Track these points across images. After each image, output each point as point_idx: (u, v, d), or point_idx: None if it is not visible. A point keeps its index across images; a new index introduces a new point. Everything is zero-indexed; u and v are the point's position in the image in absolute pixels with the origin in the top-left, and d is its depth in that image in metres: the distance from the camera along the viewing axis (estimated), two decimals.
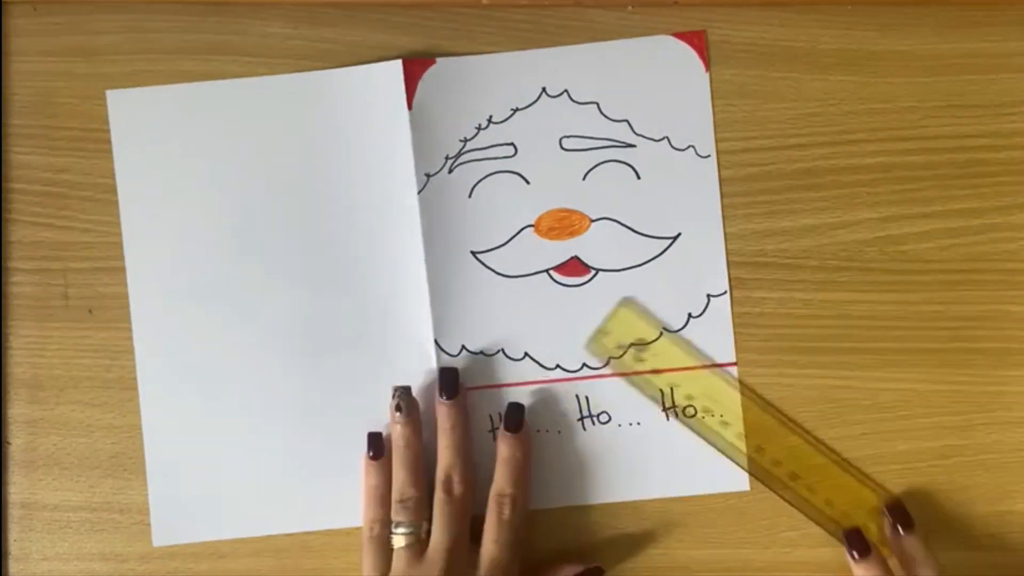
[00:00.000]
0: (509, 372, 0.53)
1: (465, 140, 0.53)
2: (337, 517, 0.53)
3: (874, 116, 0.54)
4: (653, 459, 0.53)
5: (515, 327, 0.53)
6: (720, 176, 0.54)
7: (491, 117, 0.54)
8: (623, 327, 0.52)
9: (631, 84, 0.54)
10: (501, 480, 0.51)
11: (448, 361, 0.53)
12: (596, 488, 0.53)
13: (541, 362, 0.53)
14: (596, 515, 0.53)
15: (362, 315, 0.53)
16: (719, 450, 0.53)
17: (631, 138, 0.53)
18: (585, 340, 0.53)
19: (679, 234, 0.54)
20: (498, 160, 0.53)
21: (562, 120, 0.53)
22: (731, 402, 0.53)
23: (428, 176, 0.53)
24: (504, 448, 0.51)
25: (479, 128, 0.54)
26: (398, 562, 0.49)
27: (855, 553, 0.50)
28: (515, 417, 0.52)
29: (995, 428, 0.53)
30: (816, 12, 0.54)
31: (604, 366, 0.53)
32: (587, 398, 0.53)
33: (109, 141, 0.54)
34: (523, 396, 0.53)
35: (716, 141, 0.54)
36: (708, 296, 0.53)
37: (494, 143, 0.53)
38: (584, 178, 0.53)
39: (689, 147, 0.54)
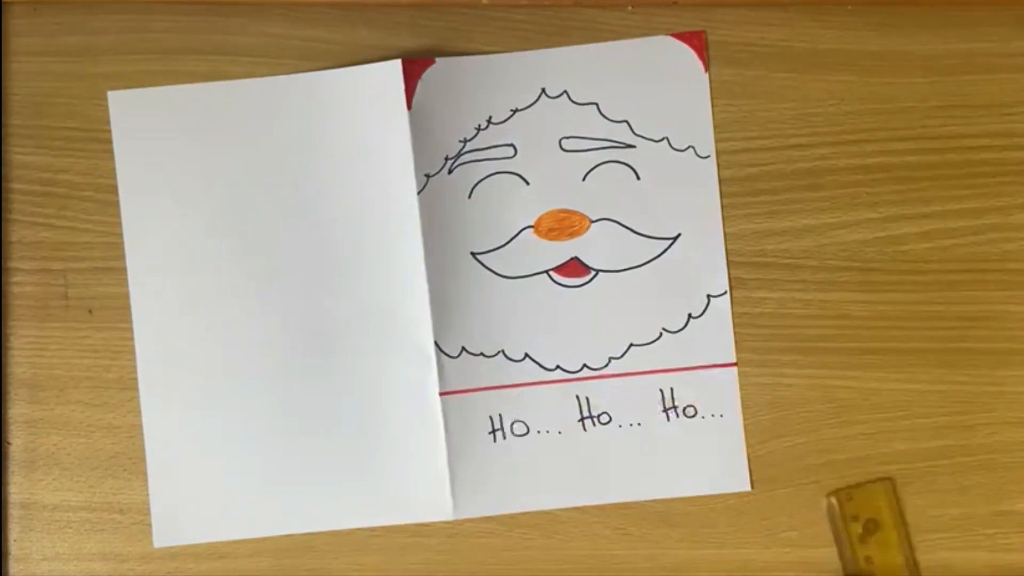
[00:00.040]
0: (509, 373, 0.53)
1: (465, 140, 0.53)
2: (337, 518, 0.53)
3: (874, 116, 0.54)
4: (653, 459, 0.53)
5: (515, 328, 0.53)
6: (720, 176, 0.54)
7: (491, 118, 0.54)
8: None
9: (631, 85, 0.54)
10: None
11: (448, 362, 0.53)
12: (596, 488, 0.53)
13: (541, 363, 0.53)
14: (596, 515, 0.53)
15: (362, 316, 0.53)
16: (719, 450, 0.53)
17: (631, 139, 0.53)
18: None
19: (679, 234, 0.54)
20: (498, 161, 0.53)
21: (562, 121, 0.53)
22: (731, 402, 0.53)
23: (428, 177, 0.53)
24: None
25: (479, 128, 0.53)
26: None
27: None
28: None
29: (995, 428, 0.53)
30: (816, 12, 0.54)
31: (605, 366, 0.53)
32: (587, 399, 0.53)
33: (109, 141, 0.54)
34: (523, 397, 0.53)
35: (716, 141, 0.54)
36: (708, 296, 0.53)
37: (494, 144, 0.53)
38: (584, 179, 0.53)
39: (689, 147, 0.54)
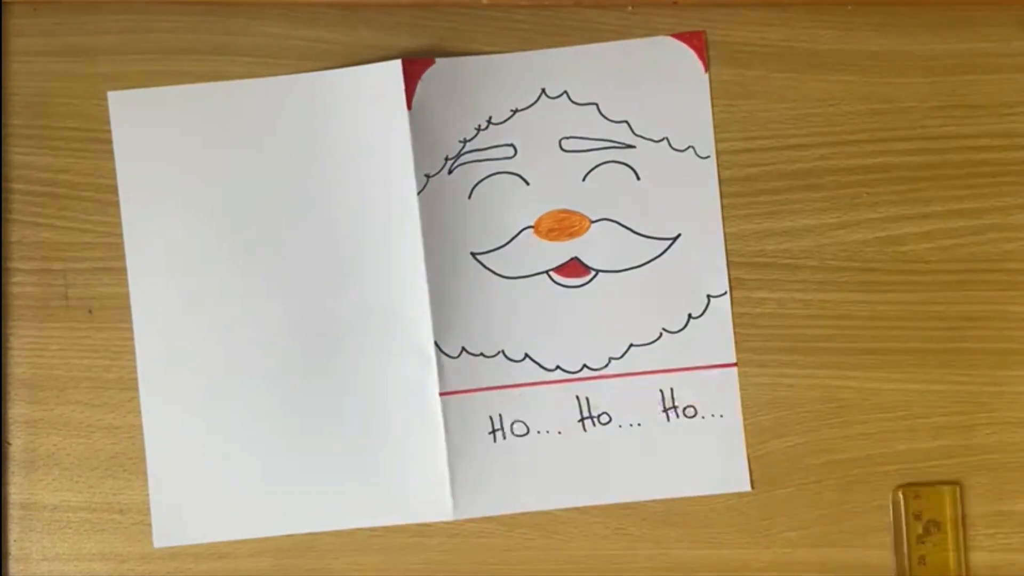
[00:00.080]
0: (509, 373, 0.53)
1: (465, 141, 0.53)
2: (337, 518, 0.53)
3: (874, 116, 0.54)
4: (653, 459, 0.53)
5: (515, 328, 0.53)
6: (720, 176, 0.54)
7: (491, 118, 0.54)
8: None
9: (631, 85, 0.54)
10: None
11: (448, 362, 0.53)
12: (596, 488, 0.53)
13: (541, 363, 0.53)
14: (597, 515, 0.54)
15: (362, 316, 0.53)
16: (719, 450, 0.53)
17: (631, 139, 0.53)
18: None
19: (679, 235, 0.54)
20: (498, 161, 0.53)
21: (562, 121, 0.53)
22: (731, 402, 0.53)
23: (428, 177, 0.53)
24: None
25: (479, 129, 0.53)
26: None
27: None
28: None
29: (995, 428, 0.53)
30: (816, 12, 0.54)
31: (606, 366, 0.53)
32: (587, 399, 0.53)
33: (109, 141, 0.54)
34: (523, 397, 0.53)
35: (716, 142, 0.54)
36: (708, 296, 0.53)
37: (494, 144, 0.53)
38: (584, 179, 0.53)
39: (689, 148, 0.54)
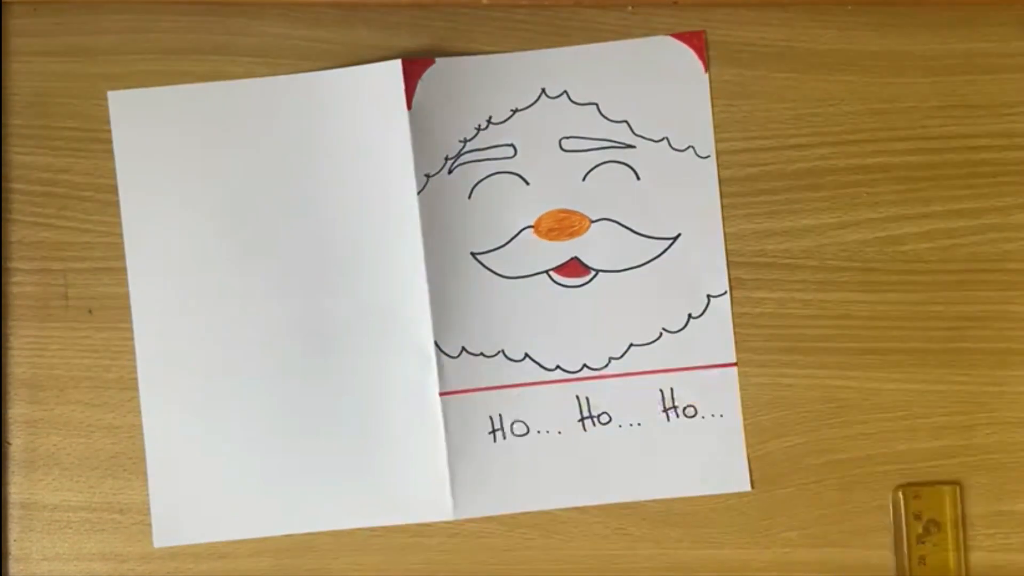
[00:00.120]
0: (509, 373, 0.53)
1: (465, 140, 0.53)
2: (337, 518, 0.53)
3: (874, 116, 0.54)
4: (653, 459, 0.53)
5: (515, 328, 0.53)
6: (720, 176, 0.54)
7: (491, 118, 0.54)
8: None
9: (631, 85, 0.54)
10: None
11: (448, 362, 0.53)
12: (596, 488, 0.53)
13: (541, 363, 0.53)
14: (596, 515, 0.54)
15: (362, 316, 0.53)
16: (719, 450, 0.53)
17: (631, 139, 0.53)
18: None
19: (679, 234, 0.54)
20: (498, 161, 0.53)
21: (562, 121, 0.53)
22: (731, 402, 0.53)
23: (428, 177, 0.53)
24: None
25: (479, 129, 0.53)
26: None
27: None
28: None
29: (995, 428, 0.53)
30: (816, 12, 0.54)
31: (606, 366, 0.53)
32: (587, 399, 0.53)
33: (109, 141, 0.54)
34: (523, 397, 0.53)
35: (716, 141, 0.54)
36: (708, 296, 0.53)
37: (494, 144, 0.53)
38: (584, 179, 0.53)
39: (689, 147, 0.54)
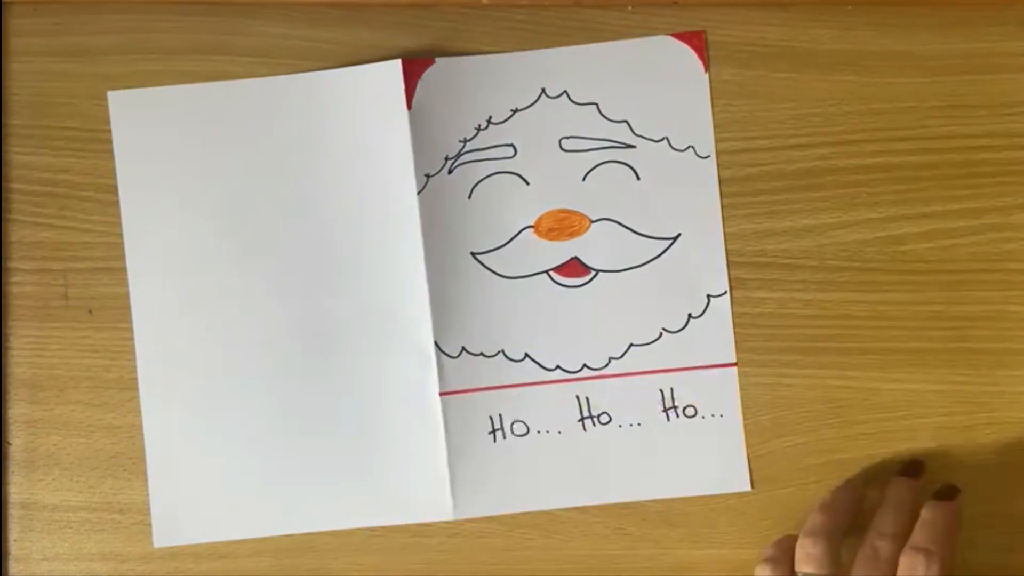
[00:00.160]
0: (509, 373, 0.53)
1: (465, 140, 0.53)
2: (337, 518, 0.53)
3: (874, 116, 0.54)
4: (653, 459, 0.53)
5: (515, 328, 0.53)
6: (720, 176, 0.54)
7: (491, 118, 0.54)
8: None
9: (631, 85, 0.54)
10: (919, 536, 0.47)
11: (448, 362, 0.53)
12: (596, 488, 0.53)
13: (541, 363, 0.53)
14: (596, 515, 0.54)
15: (362, 316, 0.53)
16: (719, 450, 0.53)
17: (631, 139, 0.53)
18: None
19: (679, 235, 0.54)
20: (498, 161, 0.53)
21: (562, 121, 0.53)
22: (731, 402, 0.53)
23: (428, 177, 0.53)
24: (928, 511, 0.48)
25: (479, 128, 0.53)
26: None
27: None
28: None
29: (995, 428, 0.53)
30: (816, 12, 0.54)
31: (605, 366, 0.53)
32: (587, 399, 0.53)
33: (109, 141, 0.54)
34: (523, 397, 0.53)
35: (716, 141, 0.54)
36: (708, 296, 0.53)
37: (494, 144, 0.53)
38: (584, 179, 0.53)
39: (689, 147, 0.54)
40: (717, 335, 0.53)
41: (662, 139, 0.53)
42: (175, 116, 0.54)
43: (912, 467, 0.51)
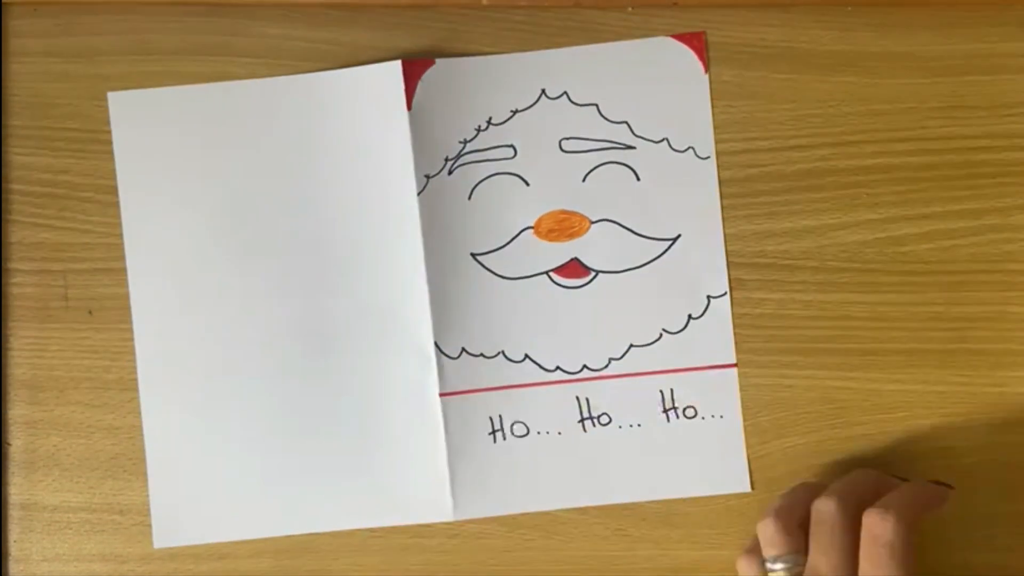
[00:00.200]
0: (509, 374, 0.53)
1: (465, 141, 0.53)
2: (337, 518, 0.53)
3: (874, 117, 0.54)
4: (653, 460, 0.53)
5: (515, 329, 0.53)
6: (720, 177, 0.54)
7: (491, 118, 0.54)
8: None
9: (631, 86, 0.54)
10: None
11: (448, 363, 0.53)
12: (596, 489, 0.53)
13: (541, 364, 0.53)
14: (596, 516, 0.54)
15: (362, 317, 0.53)
16: (719, 451, 0.53)
17: (631, 140, 0.53)
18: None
19: (679, 235, 0.54)
20: (498, 162, 0.53)
21: (562, 122, 0.53)
22: (731, 403, 0.53)
23: (428, 177, 0.53)
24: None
25: (479, 129, 0.53)
26: None
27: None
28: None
29: (995, 428, 0.53)
30: (816, 12, 0.54)
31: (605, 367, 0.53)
32: (587, 400, 0.53)
33: (109, 142, 0.54)
34: (523, 398, 0.53)
35: (716, 142, 0.54)
36: (708, 297, 0.53)
37: (494, 144, 0.53)
38: (584, 180, 0.53)
39: (689, 148, 0.54)
40: (717, 336, 0.53)
41: (662, 140, 0.53)
42: (175, 116, 0.54)
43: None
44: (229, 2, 0.54)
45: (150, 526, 0.53)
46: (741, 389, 0.53)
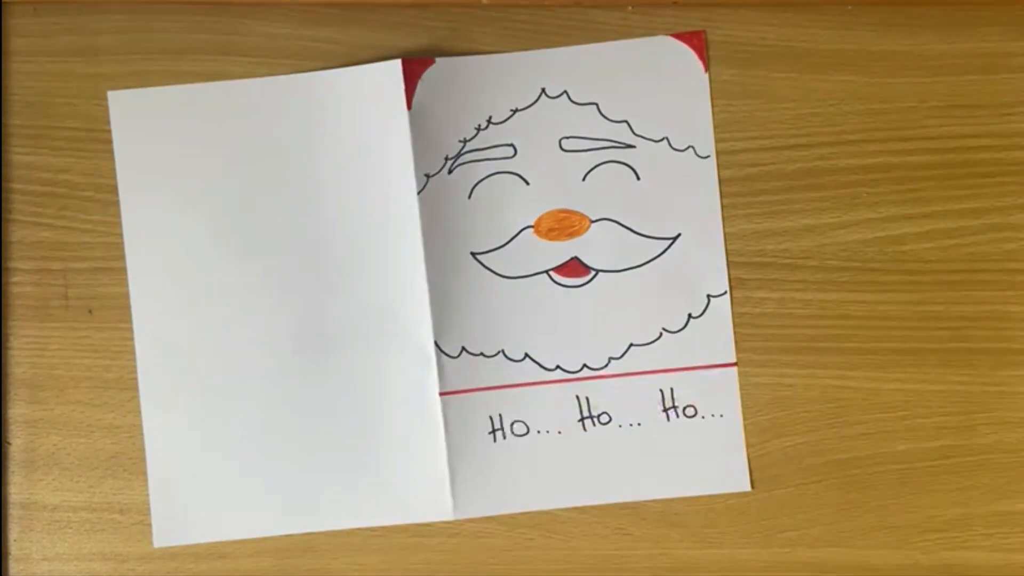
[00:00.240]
0: (509, 373, 0.53)
1: (465, 140, 0.53)
2: (337, 518, 0.53)
3: (874, 116, 0.54)
4: (653, 459, 0.53)
5: (515, 328, 0.53)
6: (720, 176, 0.54)
7: (491, 118, 0.54)
8: None
9: (631, 85, 0.54)
10: None
11: (448, 362, 0.53)
12: (596, 488, 0.53)
13: (541, 363, 0.53)
14: (597, 515, 0.54)
15: (362, 316, 0.53)
16: (719, 450, 0.53)
17: (631, 139, 0.54)
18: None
19: (679, 234, 0.54)
20: (498, 161, 0.53)
21: (562, 121, 0.53)
22: (731, 402, 0.53)
23: (428, 177, 0.53)
24: None
25: (479, 128, 0.54)
26: None
27: None
28: None
29: (995, 428, 0.53)
30: (816, 12, 0.54)
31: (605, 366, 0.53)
32: (587, 399, 0.53)
33: (109, 141, 0.54)
34: (523, 397, 0.53)
35: (716, 141, 0.54)
36: (708, 296, 0.53)
37: (494, 144, 0.53)
38: (584, 179, 0.54)
39: (689, 147, 0.54)
40: (717, 335, 0.53)
41: (662, 139, 0.54)
42: (175, 116, 0.54)
43: None
44: (229, 1, 0.54)
45: (150, 525, 0.53)
46: (741, 388, 0.54)
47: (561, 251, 0.53)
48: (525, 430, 0.53)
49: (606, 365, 0.53)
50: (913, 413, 0.53)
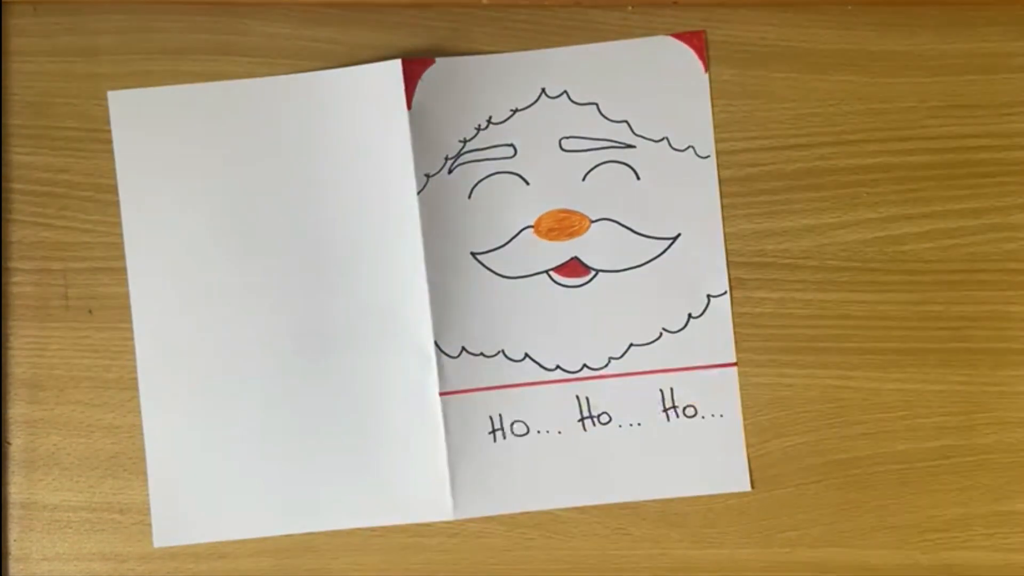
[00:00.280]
0: (509, 373, 0.53)
1: (465, 140, 0.53)
2: (337, 518, 0.53)
3: (874, 116, 0.54)
4: (653, 459, 0.53)
5: (515, 328, 0.53)
6: (720, 176, 0.54)
7: (491, 118, 0.54)
8: None
9: (631, 85, 0.54)
10: None
11: (448, 362, 0.53)
12: (596, 488, 0.53)
13: (541, 363, 0.53)
14: (597, 515, 0.54)
15: (362, 316, 0.53)
16: (719, 450, 0.53)
17: (631, 139, 0.54)
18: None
19: (679, 234, 0.54)
20: (498, 161, 0.53)
21: (562, 121, 0.53)
22: (731, 402, 0.53)
23: (428, 176, 0.53)
24: None
25: (479, 128, 0.54)
26: None
27: None
28: None
29: (995, 428, 0.53)
30: (816, 12, 0.54)
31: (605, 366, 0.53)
32: (587, 399, 0.53)
33: (109, 141, 0.54)
34: (523, 397, 0.53)
35: (716, 141, 0.54)
36: (708, 296, 0.53)
37: (494, 144, 0.53)
38: (584, 179, 0.54)
39: (689, 147, 0.54)
40: (717, 335, 0.53)
41: (662, 139, 0.54)
42: (175, 116, 0.54)
43: None
44: (229, 1, 0.54)
45: (150, 525, 0.53)
46: (741, 388, 0.54)
47: (561, 251, 0.53)
48: (525, 430, 0.53)
49: (606, 365, 0.53)
50: (913, 413, 0.53)
